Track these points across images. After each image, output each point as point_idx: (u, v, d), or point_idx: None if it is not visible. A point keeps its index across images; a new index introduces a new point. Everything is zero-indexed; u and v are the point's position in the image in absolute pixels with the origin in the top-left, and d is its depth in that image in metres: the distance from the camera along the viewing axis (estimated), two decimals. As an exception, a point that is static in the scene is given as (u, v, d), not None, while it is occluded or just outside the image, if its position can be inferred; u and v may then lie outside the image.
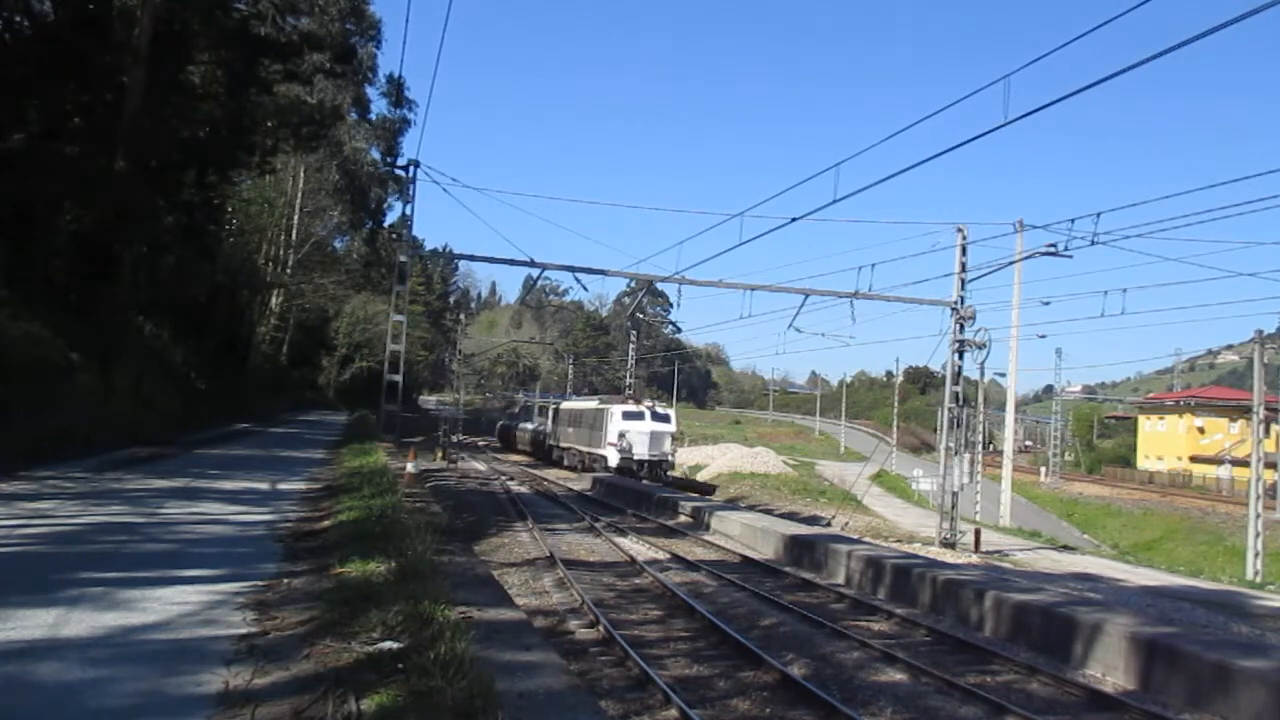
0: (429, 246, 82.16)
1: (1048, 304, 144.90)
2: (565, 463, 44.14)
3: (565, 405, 51.78)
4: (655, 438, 37.60)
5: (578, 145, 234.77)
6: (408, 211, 27.78)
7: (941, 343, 26.53)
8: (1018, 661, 10.00)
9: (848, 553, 15.36)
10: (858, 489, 40.63)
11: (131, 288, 24.92)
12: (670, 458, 38.77)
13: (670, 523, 22.29)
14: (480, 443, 67.96)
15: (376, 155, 53.70)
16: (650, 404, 42.78)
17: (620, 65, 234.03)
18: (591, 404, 45.69)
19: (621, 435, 37.11)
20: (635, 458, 36.88)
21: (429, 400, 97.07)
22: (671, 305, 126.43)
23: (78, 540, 8.02)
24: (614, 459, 37.12)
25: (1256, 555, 29.68)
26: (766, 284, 28.77)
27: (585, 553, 16.88)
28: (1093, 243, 21.44)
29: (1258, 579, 27.94)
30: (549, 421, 51.93)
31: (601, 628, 10.30)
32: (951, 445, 26.42)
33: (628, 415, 38.15)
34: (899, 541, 25.64)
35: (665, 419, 39.38)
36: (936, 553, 22.63)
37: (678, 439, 41.05)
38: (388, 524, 8.74)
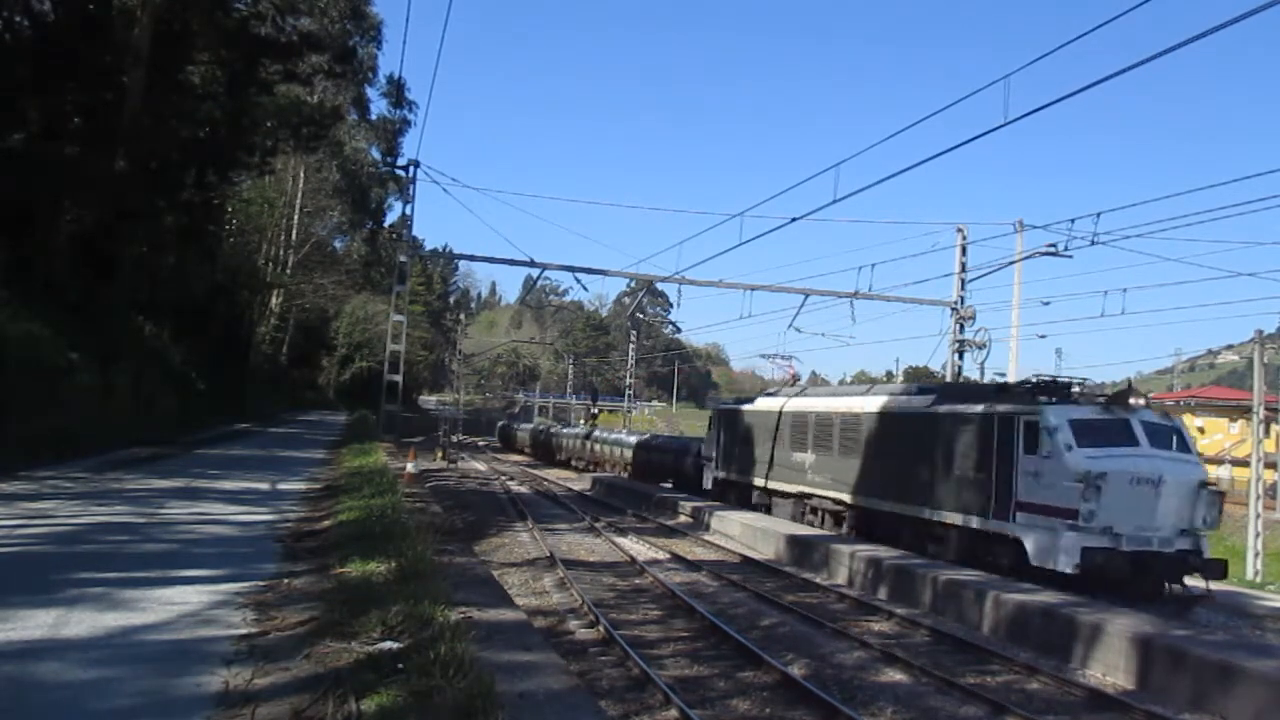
0: (429, 246, 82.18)
1: (1048, 304, 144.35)
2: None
3: (808, 402, 21.31)
4: (1170, 494, 13.48)
5: (578, 145, 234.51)
6: (408, 211, 27.89)
7: (941, 343, 26.58)
8: (1018, 661, 10.01)
9: (849, 553, 15.36)
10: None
11: (132, 288, 24.93)
12: (1203, 541, 13.89)
13: (670, 523, 22.27)
14: (480, 443, 68.07)
15: (376, 155, 53.64)
16: (1137, 397, 15.19)
17: (621, 65, 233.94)
18: (933, 402, 16.92)
19: (1094, 487, 12.93)
20: (1125, 545, 13.03)
21: (429, 400, 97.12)
22: (671, 305, 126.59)
23: (78, 540, 8.02)
24: (1068, 555, 12.92)
25: (1256, 555, 29.65)
26: (766, 284, 28.84)
27: (585, 553, 16.88)
28: (1093, 243, 21.52)
29: (1258, 579, 27.91)
30: (714, 436, 25.24)
31: (601, 628, 10.30)
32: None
33: (1085, 429, 13.79)
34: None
35: (1182, 441, 14.75)
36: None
37: (1217, 492, 14.52)
38: (388, 524, 8.75)
